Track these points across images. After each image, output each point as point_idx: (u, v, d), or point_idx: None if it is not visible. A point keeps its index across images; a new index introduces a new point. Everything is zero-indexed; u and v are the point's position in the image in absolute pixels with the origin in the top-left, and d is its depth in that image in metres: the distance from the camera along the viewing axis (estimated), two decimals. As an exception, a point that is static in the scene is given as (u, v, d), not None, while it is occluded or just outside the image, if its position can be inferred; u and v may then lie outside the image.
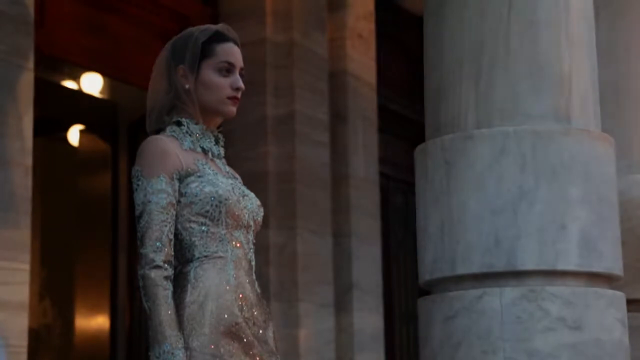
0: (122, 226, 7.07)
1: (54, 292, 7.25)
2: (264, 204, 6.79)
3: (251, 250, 3.06)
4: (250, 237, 3.06)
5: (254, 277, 3.05)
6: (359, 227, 7.45)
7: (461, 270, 3.40)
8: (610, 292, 3.34)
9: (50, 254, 6.99)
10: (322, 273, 7.08)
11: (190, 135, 3.05)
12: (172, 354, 2.79)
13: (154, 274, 2.85)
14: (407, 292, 7.91)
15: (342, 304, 7.22)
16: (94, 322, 7.20)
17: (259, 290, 3.05)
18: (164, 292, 2.85)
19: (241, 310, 2.94)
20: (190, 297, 2.92)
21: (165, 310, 2.83)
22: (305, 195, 7.02)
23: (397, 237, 8.16)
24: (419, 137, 3.83)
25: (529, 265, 3.29)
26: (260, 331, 2.99)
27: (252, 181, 3.09)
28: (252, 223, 3.07)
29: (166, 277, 2.87)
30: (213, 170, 3.03)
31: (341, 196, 7.40)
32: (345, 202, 7.42)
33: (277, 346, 3.07)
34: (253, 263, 3.06)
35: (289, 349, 6.62)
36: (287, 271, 6.90)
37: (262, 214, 3.14)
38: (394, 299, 8.08)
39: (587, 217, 3.32)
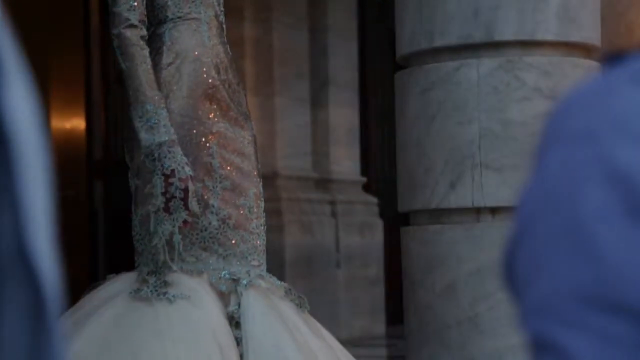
0: (94, 20, 6.96)
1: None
2: (239, -7, 6.65)
3: (222, 12, 3.02)
4: None
5: (225, 39, 3.02)
6: (335, 22, 7.37)
7: (439, 42, 3.38)
8: (587, 62, 3.34)
9: (22, 51, 6.88)
10: (298, 67, 7.04)
11: None
12: (156, 113, 2.78)
13: (129, 33, 2.81)
14: (384, 89, 7.90)
15: (317, 99, 7.23)
16: (69, 118, 7.18)
17: (230, 53, 3.03)
18: (142, 52, 2.82)
19: (217, 72, 2.93)
20: (166, 59, 2.89)
21: (144, 70, 2.80)
22: (282, -12, 6.91)
23: (374, 34, 8.10)
24: None
25: (507, 36, 3.27)
26: (235, 93, 2.99)
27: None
28: None
29: (142, 37, 2.84)
30: None
31: (318, -10, 7.30)
32: (322, -3, 7.32)
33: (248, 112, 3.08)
34: (224, 25, 3.03)
35: (265, 141, 6.65)
36: (263, 65, 6.87)
37: None
38: (370, 96, 8.09)
39: (568, -14, 3.28)
